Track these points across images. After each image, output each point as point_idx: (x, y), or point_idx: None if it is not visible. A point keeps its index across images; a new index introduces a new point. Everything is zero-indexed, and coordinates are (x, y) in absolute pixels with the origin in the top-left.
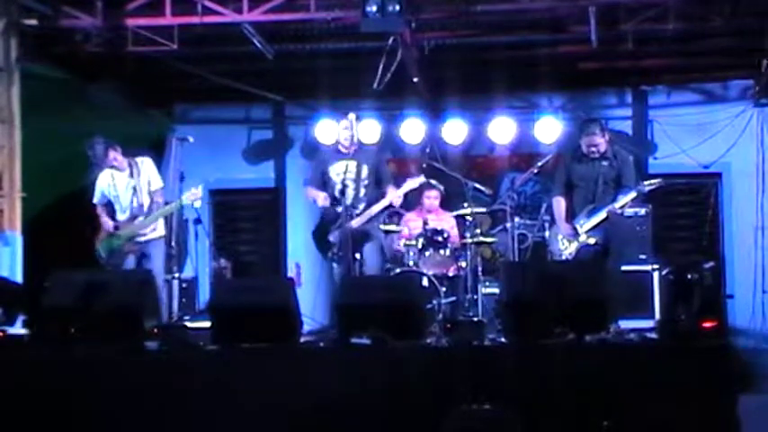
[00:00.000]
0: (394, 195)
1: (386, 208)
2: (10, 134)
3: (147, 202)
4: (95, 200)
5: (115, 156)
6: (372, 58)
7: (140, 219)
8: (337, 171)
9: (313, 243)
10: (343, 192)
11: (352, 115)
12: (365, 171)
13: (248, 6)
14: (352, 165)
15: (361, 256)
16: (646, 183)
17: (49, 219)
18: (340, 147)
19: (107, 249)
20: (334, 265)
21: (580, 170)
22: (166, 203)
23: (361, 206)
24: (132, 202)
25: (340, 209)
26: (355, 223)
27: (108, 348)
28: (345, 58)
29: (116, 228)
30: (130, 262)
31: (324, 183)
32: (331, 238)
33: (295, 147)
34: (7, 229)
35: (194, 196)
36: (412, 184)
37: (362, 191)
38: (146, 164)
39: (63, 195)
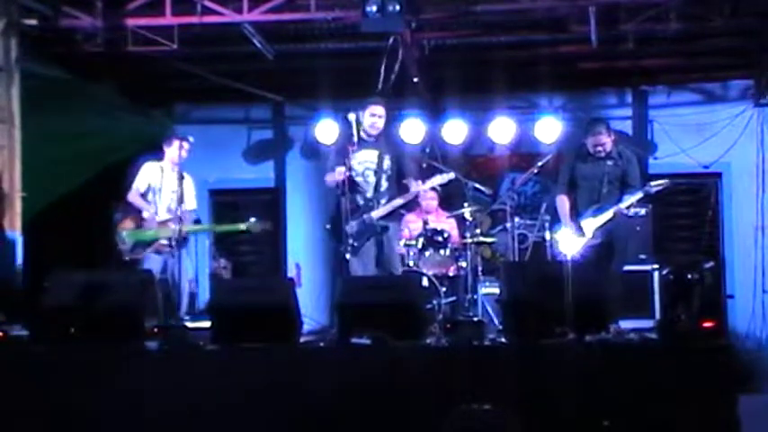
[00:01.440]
0: (420, 189)
1: (410, 201)
2: (10, 134)
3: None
4: (141, 188)
5: (180, 152)
6: (372, 59)
7: (186, 228)
8: (359, 160)
9: (328, 234)
10: (353, 185)
11: (351, 116)
12: (387, 161)
13: (248, 6)
14: (374, 154)
15: (381, 248)
16: (653, 183)
17: (49, 219)
18: (363, 134)
19: (134, 239)
20: (348, 256)
21: (584, 169)
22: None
23: (384, 199)
24: (170, 203)
25: (359, 198)
26: (376, 214)
27: (108, 348)
28: (345, 58)
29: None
30: (154, 262)
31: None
32: (347, 228)
33: (295, 147)
34: (7, 229)
35: (258, 227)
36: (440, 179)
37: (384, 183)
38: (190, 182)
39: (63, 195)
